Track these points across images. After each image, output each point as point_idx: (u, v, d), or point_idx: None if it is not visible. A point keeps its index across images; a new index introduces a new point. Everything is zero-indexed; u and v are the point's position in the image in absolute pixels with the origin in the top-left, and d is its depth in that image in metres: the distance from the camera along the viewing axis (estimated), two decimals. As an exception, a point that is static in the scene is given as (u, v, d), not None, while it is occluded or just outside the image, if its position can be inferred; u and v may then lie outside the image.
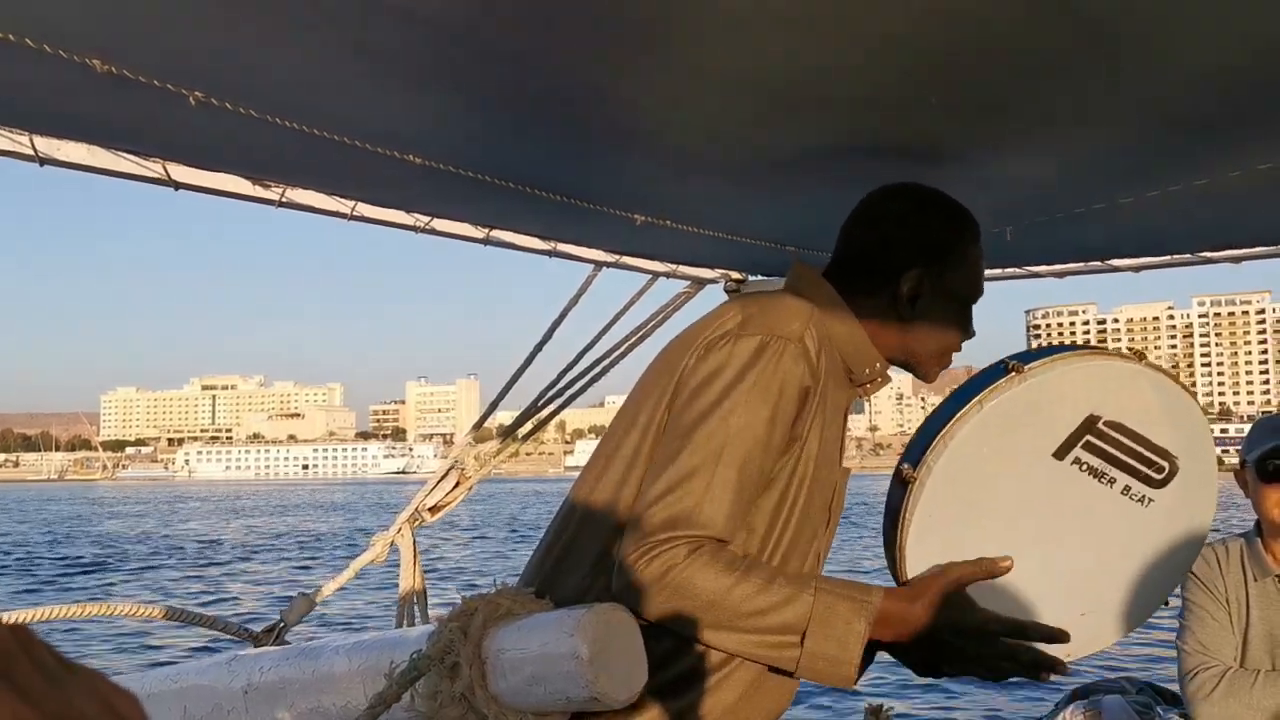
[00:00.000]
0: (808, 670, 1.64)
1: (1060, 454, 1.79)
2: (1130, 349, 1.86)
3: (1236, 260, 3.08)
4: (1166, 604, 1.94)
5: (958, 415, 1.78)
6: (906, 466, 1.80)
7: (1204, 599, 2.98)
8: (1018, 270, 3.46)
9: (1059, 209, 2.61)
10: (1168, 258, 3.22)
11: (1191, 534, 1.90)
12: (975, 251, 1.92)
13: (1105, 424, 1.79)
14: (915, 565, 1.79)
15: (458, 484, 3.23)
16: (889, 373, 1.95)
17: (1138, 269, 3.28)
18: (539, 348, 3.45)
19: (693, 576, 1.60)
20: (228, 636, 2.76)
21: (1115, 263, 3.29)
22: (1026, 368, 1.78)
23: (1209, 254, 3.10)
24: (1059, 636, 1.74)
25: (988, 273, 3.55)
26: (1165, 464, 1.83)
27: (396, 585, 3.19)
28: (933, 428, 1.81)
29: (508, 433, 3.49)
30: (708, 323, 1.78)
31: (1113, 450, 1.80)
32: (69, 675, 0.43)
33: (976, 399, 1.78)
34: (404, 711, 1.68)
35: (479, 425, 3.54)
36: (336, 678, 1.82)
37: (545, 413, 3.55)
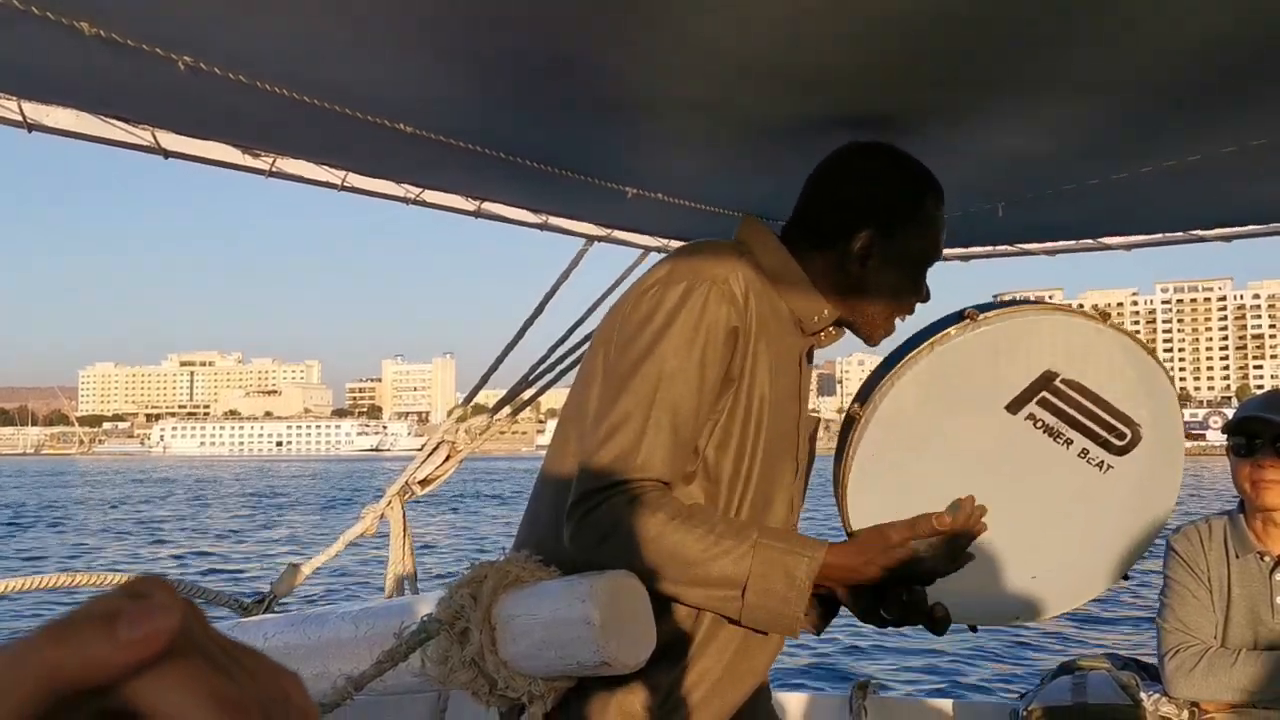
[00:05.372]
0: (751, 621, 1.68)
1: (1014, 407, 1.77)
2: (1095, 309, 1.82)
3: (1228, 239, 3.08)
4: (1127, 578, 1.91)
5: (907, 357, 1.78)
6: (855, 405, 1.82)
7: (1185, 577, 3.00)
8: (1009, 248, 3.46)
9: (1051, 185, 2.60)
10: (1160, 235, 3.22)
11: (1154, 506, 1.87)
12: (934, 216, 1.91)
13: (1063, 381, 1.76)
14: (856, 503, 1.80)
15: (448, 458, 3.22)
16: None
17: (1129, 247, 3.28)
18: (529, 322, 3.44)
19: (634, 526, 1.63)
20: (218, 607, 2.76)
21: (1107, 240, 3.29)
22: (982, 315, 1.77)
23: (1201, 232, 3.09)
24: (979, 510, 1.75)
25: (978, 250, 3.58)
26: (1127, 430, 1.79)
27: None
28: (884, 368, 1.82)
29: (498, 406, 3.48)
30: (645, 275, 1.82)
31: (1070, 410, 1.77)
32: (243, 654, 0.43)
33: (928, 342, 1.78)
34: (413, 676, 1.69)
35: (469, 400, 3.53)
36: (343, 643, 1.84)
37: (534, 390, 3.54)
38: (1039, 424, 1.77)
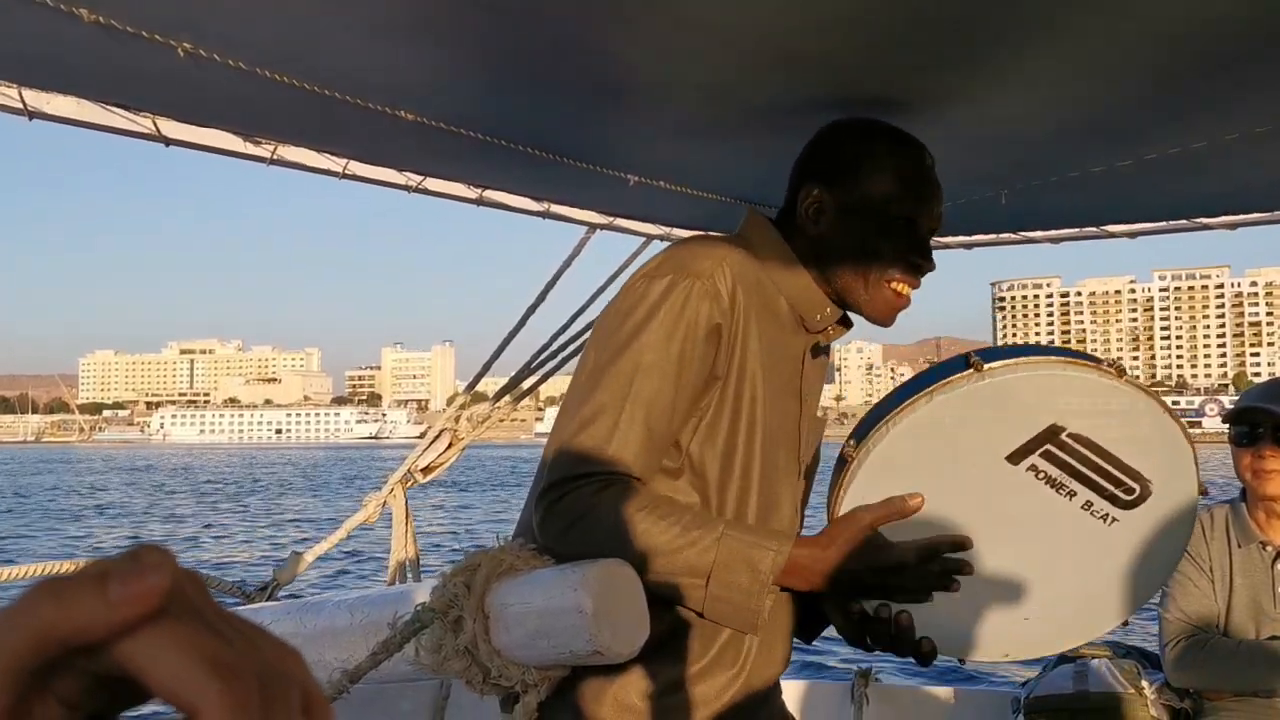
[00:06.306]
0: (713, 613, 1.65)
1: (1015, 459, 1.72)
2: (1112, 364, 1.75)
3: (1232, 226, 3.07)
4: (1126, 624, 1.86)
5: (906, 403, 1.72)
6: (850, 443, 1.76)
7: (1187, 567, 3.00)
8: (1012, 235, 3.45)
9: (1054, 172, 2.59)
10: (1164, 223, 3.21)
11: (1158, 560, 1.81)
12: (891, 161, 1.82)
13: (1069, 436, 1.70)
14: None
15: (450, 445, 3.22)
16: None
17: (1133, 234, 3.26)
18: (531, 310, 3.43)
19: (602, 514, 1.61)
20: (220, 595, 2.77)
21: (1111, 228, 3.28)
22: (987, 366, 1.71)
23: (1205, 220, 3.09)
24: (964, 543, 1.71)
25: (981, 237, 3.57)
26: (1136, 486, 1.74)
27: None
28: (882, 410, 1.77)
29: (500, 394, 3.47)
30: (639, 268, 1.79)
31: (1074, 463, 1.72)
32: (244, 625, 0.42)
33: (929, 389, 1.72)
34: (408, 665, 1.69)
35: (471, 387, 3.53)
36: (338, 632, 1.84)
37: (535, 378, 3.53)
38: (1041, 475, 1.72)
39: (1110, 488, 1.73)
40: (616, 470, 1.64)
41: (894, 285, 1.81)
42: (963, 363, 1.74)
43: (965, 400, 1.71)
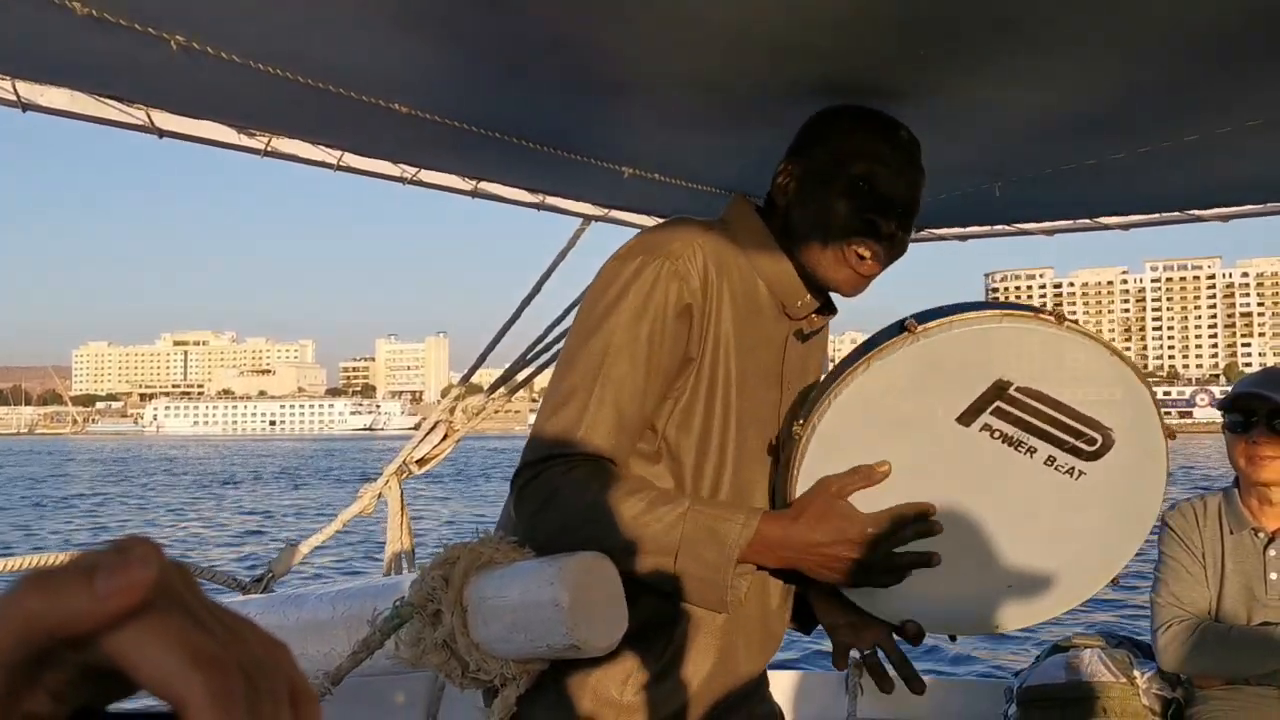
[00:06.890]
0: (685, 591, 1.64)
1: (966, 420, 1.67)
2: (1052, 310, 1.69)
3: (1225, 219, 3.08)
4: (1115, 583, 1.80)
5: (845, 373, 1.68)
6: (797, 423, 1.72)
7: (1179, 552, 3.02)
8: (1006, 227, 3.45)
9: (1048, 165, 2.60)
10: (1157, 215, 3.22)
11: (1135, 510, 1.76)
12: (856, 128, 1.81)
13: (1018, 390, 1.65)
14: None
15: (445, 437, 3.23)
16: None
17: (1127, 227, 3.28)
18: (526, 302, 3.44)
19: (571, 494, 1.62)
20: (215, 586, 2.77)
21: (1104, 220, 3.29)
22: (921, 327, 1.65)
23: (1198, 212, 3.10)
24: (928, 510, 1.67)
25: (975, 229, 3.57)
26: (1097, 435, 1.68)
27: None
28: (824, 386, 1.73)
29: (495, 386, 3.48)
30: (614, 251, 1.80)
31: (1029, 418, 1.66)
32: (231, 618, 0.43)
33: (865, 357, 1.68)
34: (387, 659, 1.69)
35: (466, 379, 3.53)
36: (321, 625, 1.84)
37: (530, 369, 3.54)
38: (996, 434, 1.67)
39: (1071, 440, 1.68)
40: (586, 452, 1.63)
41: (854, 248, 1.76)
42: (898, 327, 1.69)
43: (902, 364, 1.66)
